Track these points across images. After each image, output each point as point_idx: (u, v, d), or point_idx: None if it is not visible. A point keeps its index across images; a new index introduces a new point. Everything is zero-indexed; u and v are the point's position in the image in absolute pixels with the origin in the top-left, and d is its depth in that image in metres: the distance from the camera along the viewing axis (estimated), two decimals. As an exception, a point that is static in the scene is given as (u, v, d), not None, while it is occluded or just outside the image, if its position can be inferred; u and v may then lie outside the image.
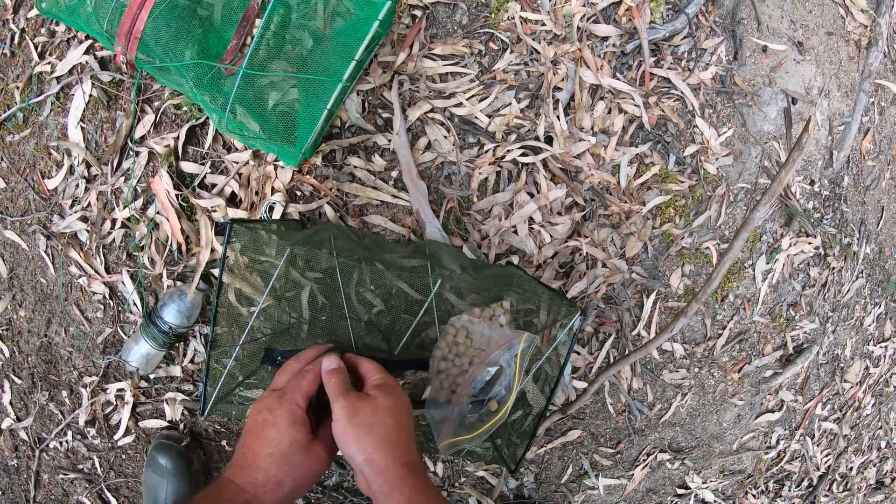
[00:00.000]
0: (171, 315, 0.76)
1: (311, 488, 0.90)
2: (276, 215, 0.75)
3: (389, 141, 0.75)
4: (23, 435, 0.91)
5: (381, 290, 0.74)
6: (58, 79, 0.77)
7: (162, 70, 0.67)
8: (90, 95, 0.77)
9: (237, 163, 0.76)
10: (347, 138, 0.75)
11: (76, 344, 0.86)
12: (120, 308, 0.84)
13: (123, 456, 0.92)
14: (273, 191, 0.75)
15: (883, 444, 1.29)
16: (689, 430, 1.03)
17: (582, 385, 0.87)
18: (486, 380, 0.66)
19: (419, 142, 0.76)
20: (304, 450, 0.51)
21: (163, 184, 0.76)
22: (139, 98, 0.76)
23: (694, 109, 0.84)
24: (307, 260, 0.72)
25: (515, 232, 0.79)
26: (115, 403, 0.88)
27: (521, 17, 0.76)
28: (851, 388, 1.16)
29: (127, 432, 0.89)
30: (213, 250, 0.77)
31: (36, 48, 0.77)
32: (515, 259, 0.79)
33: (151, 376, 0.85)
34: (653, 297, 0.88)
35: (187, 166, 0.77)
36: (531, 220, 0.79)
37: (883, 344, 1.18)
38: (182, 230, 0.77)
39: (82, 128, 0.79)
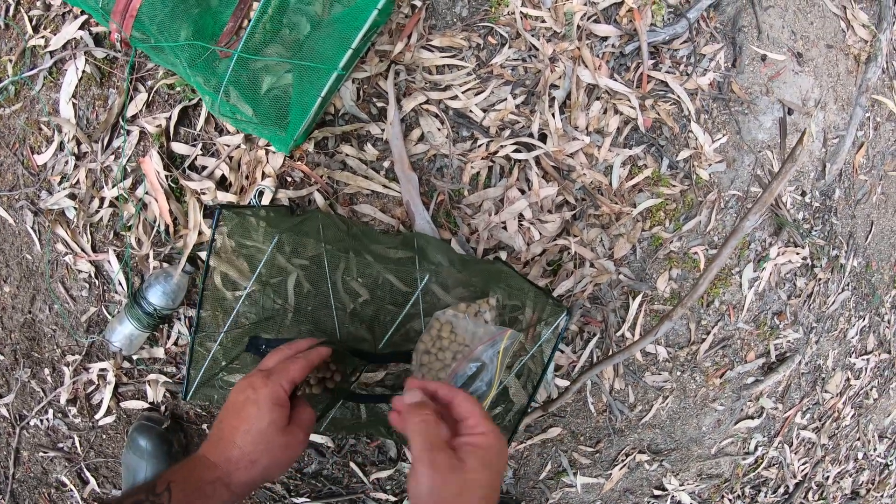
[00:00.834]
0: (156, 296, 0.76)
1: (285, 472, 0.90)
2: (266, 201, 0.75)
3: (383, 130, 0.75)
4: (3, 411, 0.91)
5: (367, 280, 0.74)
6: (51, 53, 0.76)
7: (156, 49, 0.66)
8: (83, 71, 0.76)
9: (228, 146, 0.75)
10: (341, 126, 0.74)
11: (60, 322, 0.86)
12: (105, 287, 0.83)
13: (104, 436, 0.92)
14: (264, 175, 0.75)
15: (860, 455, 1.31)
16: (668, 433, 1.03)
17: (564, 383, 0.88)
18: (468, 374, 0.67)
19: (412, 133, 0.76)
20: (281, 432, 0.51)
21: (153, 164, 0.76)
22: (132, 76, 0.75)
23: (689, 114, 0.84)
24: (294, 247, 0.72)
25: (505, 228, 0.79)
26: (97, 383, 0.88)
27: (521, 12, 0.76)
28: (832, 398, 1.18)
29: (108, 412, 0.88)
30: (200, 233, 0.76)
31: (30, 21, 0.76)
32: (503, 255, 0.79)
33: (134, 357, 0.85)
34: (639, 299, 0.88)
35: (178, 147, 0.76)
36: (521, 216, 0.79)
37: (865, 356, 1.19)
38: (170, 211, 0.77)
39: (74, 104, 0.78)
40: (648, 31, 0.80)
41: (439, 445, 0.43)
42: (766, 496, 1.20)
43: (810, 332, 1.08)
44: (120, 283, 0.82)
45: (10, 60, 0.76)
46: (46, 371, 0.89)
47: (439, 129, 0.76)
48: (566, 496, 1.02)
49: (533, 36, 0.77)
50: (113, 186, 0.78)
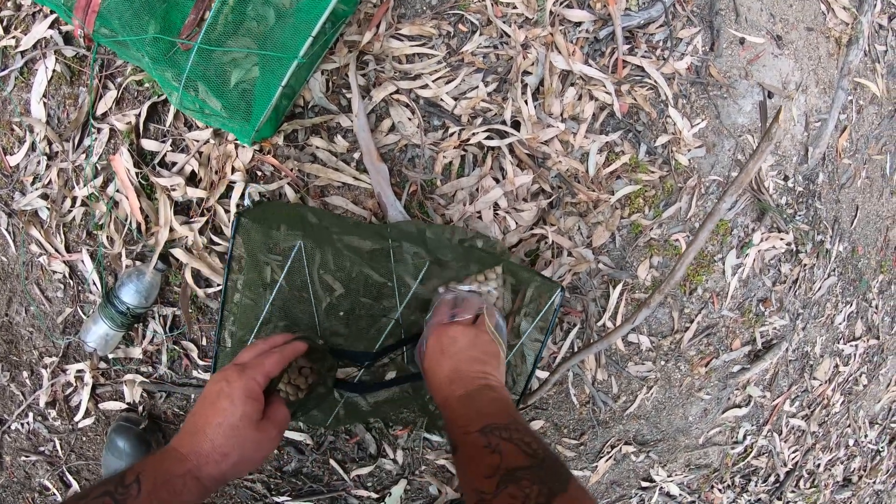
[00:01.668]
0: (128, 295, 0.75)
1: (257, 468, 0.89)
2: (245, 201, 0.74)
3: (352, 122, 0.74)
4: (-17, 415, 0.90)
5: (342, 273, 0.73)
6: (22, 53, 0.76)
7: (120, 44, 0.65)
8: (53, 71, 0.75)
9: (198, 141, 0.74)
10: (310, 118, 0.73)
11: (37, 324, 0.85)
12: (80, 288, 0.82)
13: (84, 438, 0.91)
14: (233, 170, 0.74)
15: (851, 442, 1.30)
16: (654, 424, 1.03)
17: (544, 375, 0.87)
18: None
19: (383, 123, 0.75)
20: (253, 425, 0.51)
21: (123, 161, 0.75)
22: (100, 74, 0.74)
23: (667, 99, 0.83)
24: (269, 242, 0.71)
25: (480, 217, 0.78)
26: (74, 385, 0.87)
27: (491, -1, 0.75)
28: (820, 385, 1.17)
29: (87, 414, 0.88)
30: (172, 230, 0.76)
31: (1, 22, 0.75)
32: (479, 244, 0.79)
33: (110, 356, 0.84)
34: (619, 287, 0.87)
35: (148, 144, 0.75)
36: (496, 205, 0.78)
37: (853, 343, 1.18)
38: (141, 209, 0.76)
39: (45, 103, 0.77)
40: (623, 16, 0.79)
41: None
42: (756, 485, 1.19)
43: (797, 318, 1.07)
44: (94, 283, 0.81)
45: (-21, 62, 0.76)
46: (25, 374, 0.88)
47: (410, 119, 0.75)
48: (553, 489, 1.01)
49: (504, 22, 0.76)
50: (84, 185, 0.77)
